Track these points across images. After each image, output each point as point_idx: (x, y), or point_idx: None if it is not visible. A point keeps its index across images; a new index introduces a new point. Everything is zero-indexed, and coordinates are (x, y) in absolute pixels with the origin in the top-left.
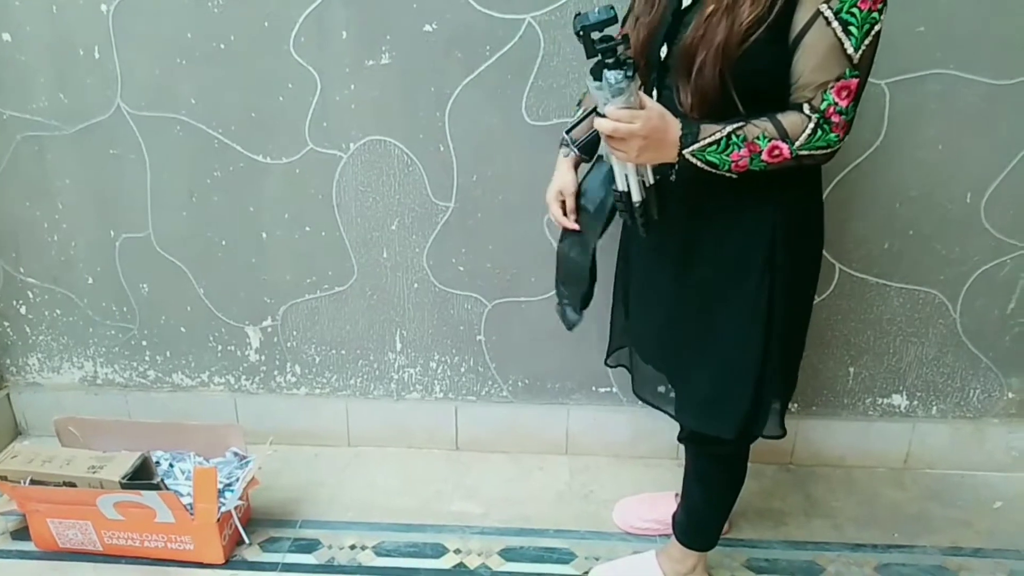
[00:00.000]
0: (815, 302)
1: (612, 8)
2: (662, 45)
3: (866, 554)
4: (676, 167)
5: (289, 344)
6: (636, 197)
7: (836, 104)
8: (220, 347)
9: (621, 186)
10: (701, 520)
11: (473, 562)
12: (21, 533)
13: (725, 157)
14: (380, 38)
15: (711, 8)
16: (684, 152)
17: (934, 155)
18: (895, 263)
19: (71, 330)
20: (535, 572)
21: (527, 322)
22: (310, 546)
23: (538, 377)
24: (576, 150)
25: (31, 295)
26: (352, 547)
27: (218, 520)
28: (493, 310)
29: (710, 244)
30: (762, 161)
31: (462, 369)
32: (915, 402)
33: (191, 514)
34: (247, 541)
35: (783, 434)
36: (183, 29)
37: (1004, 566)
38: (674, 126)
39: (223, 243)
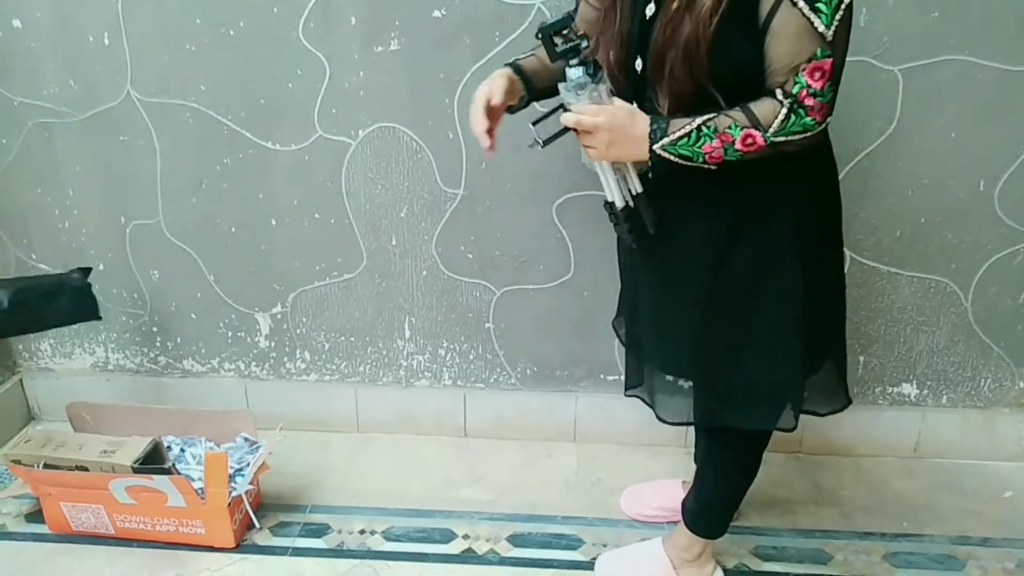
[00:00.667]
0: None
1: (571, 14)
2: (636, 59)
3: (874, 542)
4: (651, 164)
5: (299, 331)
6: (618, 203)
7: (809, 87)
8: (230, 333)
9: (607, 194)
10: (713, 507)
11: (481, 547)
12: (35, 516)
13: (697, 149)
14: (389, 24)
15: (674, 7)
16: (655, 147)
17: (947, 143)
18: (906, 251)
19: None
20: (543, 558)
21: (536, 310)
22: (320, 530)
23: (546, 364)
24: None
25: None
26: (361, 532)
27: (229, 504)
28: (502, 298)
29: (737, 234)
30: (736, 151)
31: (471, 356)
32: (925, 391)
33: (202, 498)
34: (257, 525)
35: (796, 421)
36: (192, 15)
37: (1013, 555)
38: (643, 121)
39: (233, 230)
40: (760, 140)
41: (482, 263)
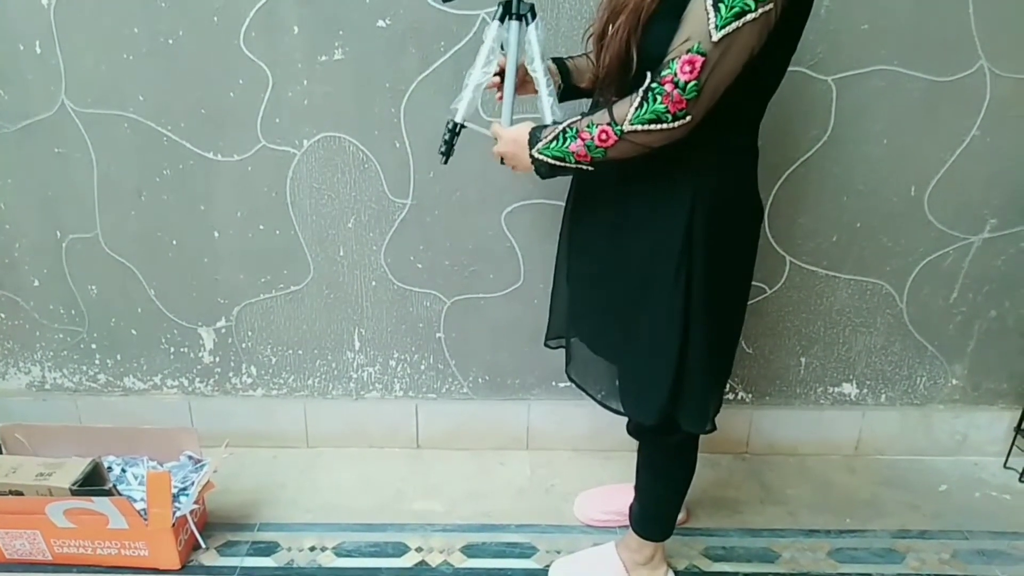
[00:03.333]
0: (769, 294)
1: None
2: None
3: (819, 539)
4: (535, 169)
5: (244, 345)
6: (458, 118)
7: (676, 75)
8: (173, 349)
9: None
10: (654, 510)
11: (435, 560)
12: None
13: (565, 150)
14: (333, 33)
15: None
16: (532, 152)
17: (879, 150)
18: (843, 255)
19: (16, 334)
20: (497, 567)
21: (486, 318)
22: (269, 549)
23: (498, 373)
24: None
25: None
26: (312, 548)
27: (173, 525)
28: (452, 307)
29: (630, 230)
30: (597, 148)
31: (422, 367)
32: (865, 390)
33: (145, 520)
34: (204, 546)
35: (708, 428)
36: (128, 23)
37: (949, 546)
38: (525, 132)
39: (174, 243)
40: (612, 133)
41: (432, 273)
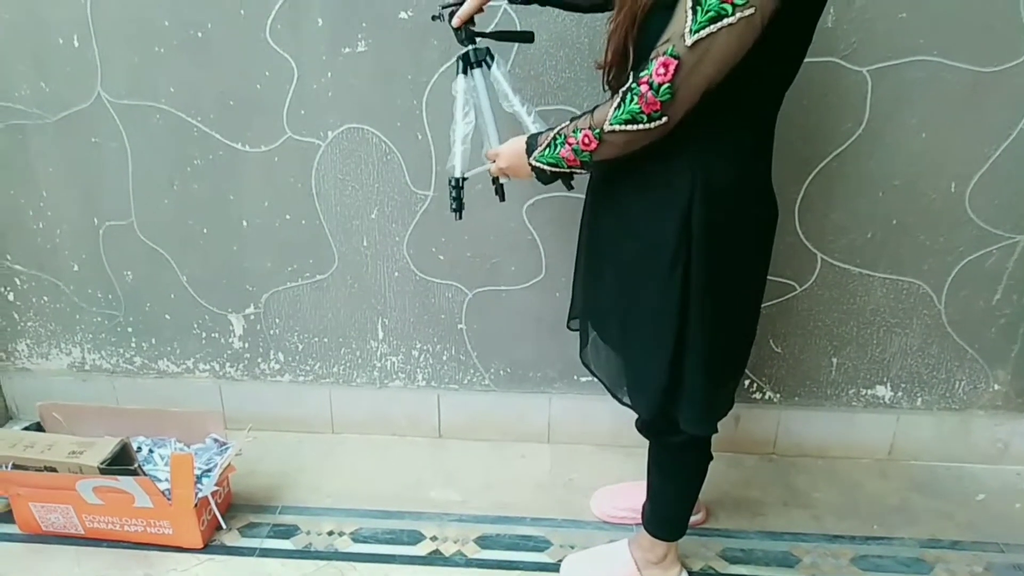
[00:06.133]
0: (799, 292)
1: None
2: None
3: (843, 545)
4: (535, 176)
5: (272, 332)
6: (457, 173)
7: (651, 77)
8: (204, 334)
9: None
10: (664, 510)
11: (449, 549)
12: (5, 516)
13: (557, 156)
14: (356, 26)
15: None
16: (530, 160)
17: (918, 144)
18: (878, 253)
19: (58, 316)
20: (510, 560)
21: (508, 311)
22: (288, 532)
23: (519, 365)
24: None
25: (18, 282)
26: (330, 533)
27: (196, 505)
28: (474, 299)
29: (631, 223)
30: (583, 152)
31: (444, 357)
32: (899, 393)
33: (168, 499)
34: (224, 526)
35: (709, 431)
36: (160, 17)
37: (982, 559)
38: (523, 143)
39: (204, 231)
40: (592, 137)
41: (454, 264)
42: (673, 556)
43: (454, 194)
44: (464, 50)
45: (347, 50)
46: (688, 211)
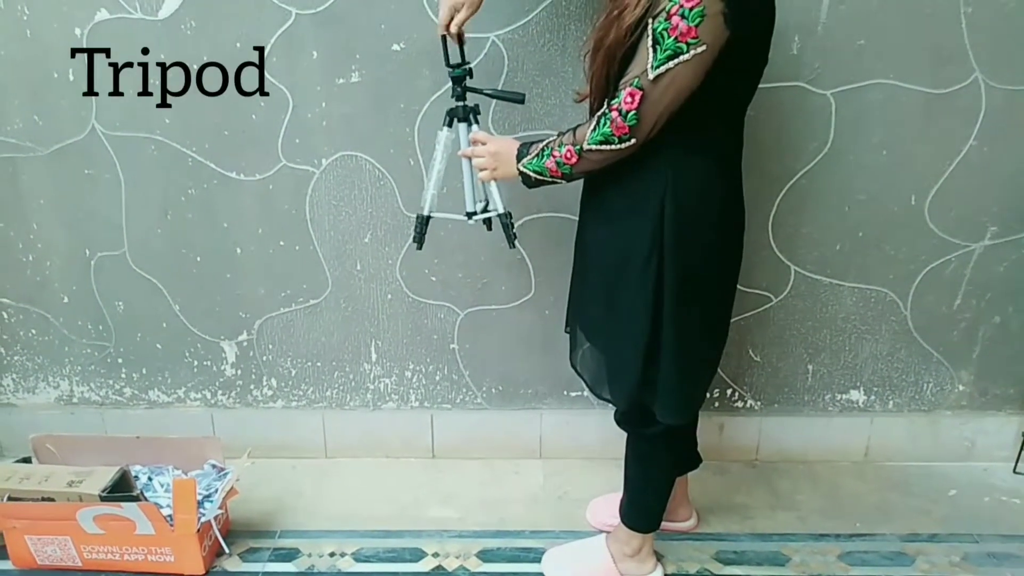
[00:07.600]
0: (775, 303)
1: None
2: None
3: (829, 543)
4: (521, 180)
5: (265, 358)
6: (425, 212)
7: (620, 105)
8: (196, 362)
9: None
10: (639, 501)
11: (451, 564)
12: None
13: (543, 165)
14: (350, 57)
15: (603, 16)
16: (519, 165)
17: (879, 160)
18: (847, 264)
19: (46, 349)
20: (512, 571)
21: (499, 330)
22: (290, 555)
23: (511, 383)
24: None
25: (5, 316)
26: (331, 554)
27: (198, 531)
28: (465, 319)
29: (609, 225)
30: (564, 165)
31: (437, 377)
32: (872, 397)
33: (171, 525)
34: (227, 551)
35: (684, 421)
36: (156, 51)
37: (959, 549)
38: (515, 146)
39: (198, 259)
40: (574, 152)
41: (445, 285)
42: (648, 550)
43: (419, 228)
44: (455, 105)
45: (341, 80)
46: (660, 213)
